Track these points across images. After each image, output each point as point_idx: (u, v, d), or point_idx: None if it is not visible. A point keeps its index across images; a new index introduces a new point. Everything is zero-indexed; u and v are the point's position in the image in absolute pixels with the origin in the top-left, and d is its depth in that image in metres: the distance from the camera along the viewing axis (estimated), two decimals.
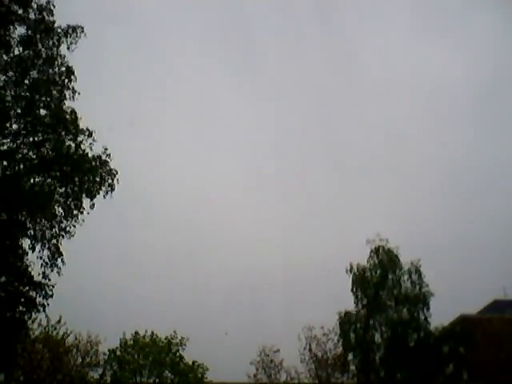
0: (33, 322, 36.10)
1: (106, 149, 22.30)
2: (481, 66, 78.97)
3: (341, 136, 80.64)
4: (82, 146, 21.96)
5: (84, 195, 21.94)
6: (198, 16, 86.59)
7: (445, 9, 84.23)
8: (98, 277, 54.55)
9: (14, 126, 21.45)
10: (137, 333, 47.83)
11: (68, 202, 21.92)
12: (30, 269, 21.31)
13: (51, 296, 21.26)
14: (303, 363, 45.95)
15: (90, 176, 21.92)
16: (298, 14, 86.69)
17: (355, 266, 38.86)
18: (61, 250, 21.73)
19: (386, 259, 38.70)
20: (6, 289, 21.09)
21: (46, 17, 21.42)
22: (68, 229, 21.95)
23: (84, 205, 22.15)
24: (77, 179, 21.87)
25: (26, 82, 21.54)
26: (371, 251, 38.84)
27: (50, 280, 21.20)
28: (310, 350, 45.54)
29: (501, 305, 44.80)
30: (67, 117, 21.89)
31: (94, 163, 22.03)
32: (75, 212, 21.93)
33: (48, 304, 21.45)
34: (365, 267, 38.87)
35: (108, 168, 22.13)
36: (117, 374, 46.27)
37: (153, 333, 47.91)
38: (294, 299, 54.25)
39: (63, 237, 21.91)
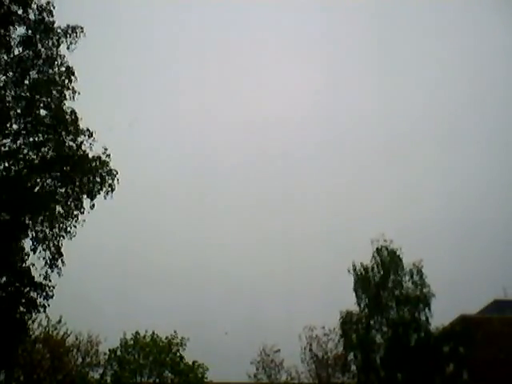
0: (33, 321, 36.18)
1: (105, 149, 22.30)
2: None
3: (342, 135, 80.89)
4: (82, 146, 21.94)
5: (84, 195, 21.91)
6: (199, 15, 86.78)
7: None
8: (99, 277, 54.60)
9: (15, 126, 21.42)
10: (137, 333, 47.83)
11: (68, 203, 21.89)
12: (30, 269, 21.26)
13: (52, 297, 21.24)
14: (304, 363, 46.01)
15: (90, 176, 21.90)
16: None
17: (358, 265, 38.90)
18: (61, 250, 21.71)
19: (388, 260, 38.71)
20: (7, 289, 21.04)
21: (46, 17, 21.37)
22: (68, 229, 21.93)
23: (84, 205, 22.16)
24: (77, 179, 21.84)
25: (26, 82, 21.51)
26: (374, 251, 38.86)
27: (50, 281, 21.20)
28: (311, 350, 45.57)
29: (501, 305, 44.72)
30: (67, 117, 21.85)
31: (94, 163, 22.00)
32: (76, 212, 21.90)
33: (48, 305, 21.43)
34: (367, 267, 38.85)
35: (108, 168, 22.11)
36: (117, 374, 46.28)
37: (153, 333, 47.90)
38: (294, 299, 54.29)
39: (64, 237, 21.89)
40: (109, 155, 22.33)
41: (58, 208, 21.72)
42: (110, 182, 22.07)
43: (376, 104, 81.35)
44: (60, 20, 21.73)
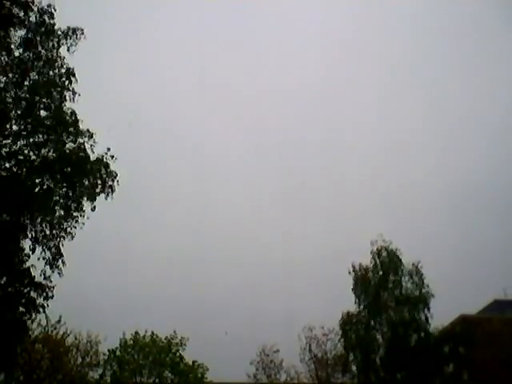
0: (32, 321, 36.12)
1: (108, 149, 22.26)
2: None
3: (339, 135, 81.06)
4: (82, 147, 21.91)
5: (85, 197, 21.90)
6: (198, 13, 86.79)
7: None
8: (98, 276, 54.58)
9: (15, 127, 21.37)
10: (137, 333, 47.81)
11: (68, 204, 21.87)
12: (31, 270, 21.24)
13: (52, 297, 21.19)
14: (303, 363, 46.08)
15: (90, 177, 21.89)
16: None
17: (357, 266, 38.92)
18: (61, 250, 21.70)
19: (387, 260, 38.71)
20: (7, 290, 21.01)
21: (47, 20, 21.31)
22: (68, 230, 21.90)
23: (84, 206, 22.14)
24: (77, 180, 21.82)
25: (26, 83, 21.48)
26: (373, 252, 38.85)
27: (51, 281, 21.17)
28: (310, 350, 45.61)
29: (501, 305, 44.76)
30: (67, 118, 21.83)
31: (94, 165, 21.98)
32: (75, 213, 21.89)
33: (48, 305, 21.40)
34: (367, 268, 38.88)
35: (109, 170, 22.09)
36: (116, 374, 46.26)
37: (153, 333, 47.88)
38: (293, 299, 54.32)
39: (64, 238, 21.86)
40: (112, 156, 22.31)
41: (58, 209, 21.71)
42: (110, 183, 22.06)
43: (376, 103, 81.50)
44: (59, 19, 21.72)
